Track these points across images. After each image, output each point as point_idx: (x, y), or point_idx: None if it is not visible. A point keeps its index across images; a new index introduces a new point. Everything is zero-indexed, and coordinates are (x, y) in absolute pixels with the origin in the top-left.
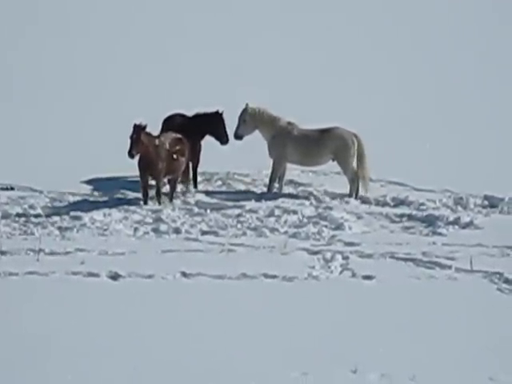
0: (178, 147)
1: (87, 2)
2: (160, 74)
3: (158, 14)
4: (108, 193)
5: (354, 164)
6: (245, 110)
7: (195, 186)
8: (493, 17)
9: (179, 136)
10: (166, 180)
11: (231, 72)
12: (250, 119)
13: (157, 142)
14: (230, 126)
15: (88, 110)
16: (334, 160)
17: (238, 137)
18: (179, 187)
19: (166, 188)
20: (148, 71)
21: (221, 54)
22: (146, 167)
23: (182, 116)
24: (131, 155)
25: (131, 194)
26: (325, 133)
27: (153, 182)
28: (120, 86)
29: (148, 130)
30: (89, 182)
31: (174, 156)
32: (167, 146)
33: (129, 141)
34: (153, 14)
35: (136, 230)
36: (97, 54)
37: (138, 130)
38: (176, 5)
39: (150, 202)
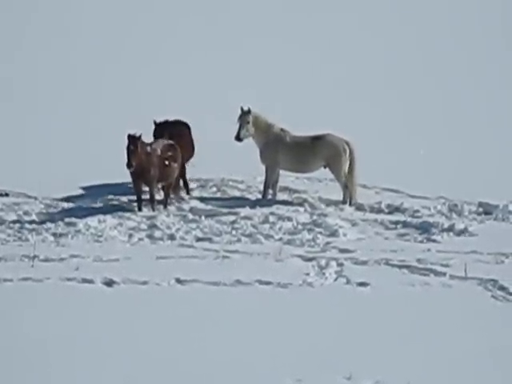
0: (169, 153)
1: (88, 6)
2: (155, 79)
3: (154, 19)
4: (103, 199)
5: (347, 171)
6: (247, 113)
7: (188, 192)
8: (492, 24)
9: (171, 142)
10: (159, 186)
11: (224, 75)
12: (252, 122)
13: (148, 149)
14: (224, 128)
15: (83, 118)
16: (325, 167)
17: (239, 139)
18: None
19: (161, 194)
20: (144, 76)
21: (215, 57)
22: (138, 174)
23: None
24: (130, 166)
25: (126, 201)
26: (317, 140)
27: (146, 189)
28: (116, 92)
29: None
30: (83, 189)
31: (166, 162)
32: (159, 152)
33: (126, 152)
34: (149, 19)
35: (131, 236)
36: (94, 60)
37: (134, 140)
38: (172, 9)
39: (144, 209)
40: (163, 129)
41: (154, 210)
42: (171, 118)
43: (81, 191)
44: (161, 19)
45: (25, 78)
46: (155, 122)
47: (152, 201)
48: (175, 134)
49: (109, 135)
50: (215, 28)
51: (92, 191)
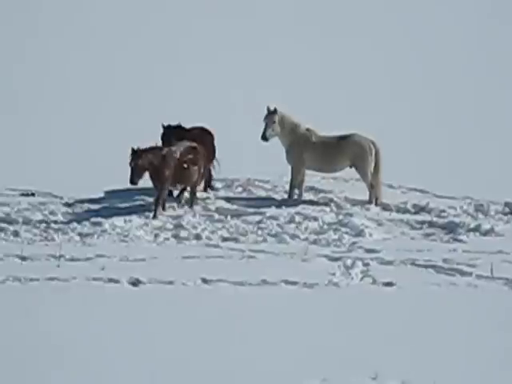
0: (190, 156)
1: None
2: (180, 81)
3: (175, 18)
4: (128, 199)
5: (372, 170)
6: (273, 113)
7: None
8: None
9: (194, 145)
10: (179, 188)
11: (250, 75)
12: (278, 122)
13: (164, 151)
14: (250, 128)
15: (114, 119)
16: (351, 167)
17: (265, 139)
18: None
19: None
20: (168, 78)
21: (241, 57)
22: (153, 176)
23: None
24: (134, 183)
25: (152, 201)
26: (343, 140)
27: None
28: (131, 93)
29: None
30: (108, 192)
31: (185, 165)
32: (177, 155)
33: (129, 168)
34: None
35: (156, 236)
36: (113, 62)
37: (136, 155)
38: (195, 8)
39: (170, 209)
40: (172, 132)
41: (155, 215)
42: (193, 125)
43: (106, 194)
44: (184, 19)
45: (51, 78)
46: (163, 126)
47: (157, 204)
48: (194, 139)
49: (132, 139)
50: (240, 28)
51: (117, 193)
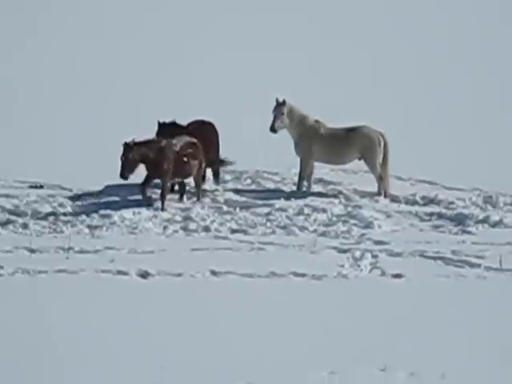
0: (189, 150)
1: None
2: (187, 77)
3: (174, 18)
4: (137, 192)
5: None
6: (282, 104)
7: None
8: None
9: (193, 140)
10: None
11: (255, 74)
12: (286, 114)
13: (163, 143)
14: (259, 120)
15: (122, 115)
16: (360, 159)
17: (274, 130)
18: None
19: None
20: (166, 74)
21: (248, 53)
22: (151, 169)
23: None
24: (124, 177)
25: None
26: (352, 131)
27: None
28: (139, 91)
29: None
30: (118, 183)
31: (185, 159)
32: (177, 148)
33: (120, 162)
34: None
35: (165, 228)
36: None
37: (128, 148)
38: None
39: (171, 202)
40: (166, 129)
41: (163, 207)
42: (194, 119)
43: (115, 186)
44: (191, 18)
45: (57, 73)
46: (159, 123)
47: (163, 196)
48: (191, 134)
49: (140, 134)
50: (244, 28)
51: (126, 186)
